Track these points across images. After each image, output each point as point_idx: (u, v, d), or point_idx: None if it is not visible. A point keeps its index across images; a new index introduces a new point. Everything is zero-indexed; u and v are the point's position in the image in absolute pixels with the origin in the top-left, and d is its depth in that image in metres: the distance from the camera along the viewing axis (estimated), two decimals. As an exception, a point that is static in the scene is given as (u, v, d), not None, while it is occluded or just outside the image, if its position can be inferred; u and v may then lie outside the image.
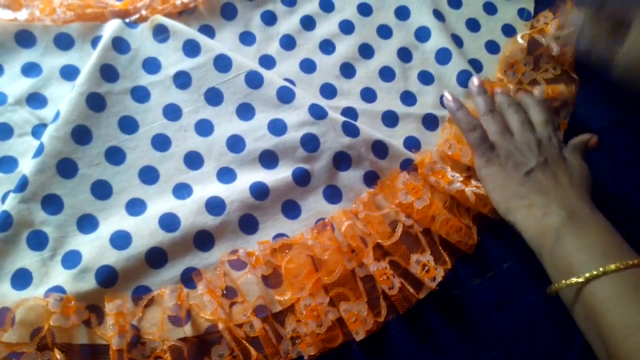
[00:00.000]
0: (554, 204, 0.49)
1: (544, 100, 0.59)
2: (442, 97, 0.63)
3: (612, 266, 0.44)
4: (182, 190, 0.56)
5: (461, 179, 0.57)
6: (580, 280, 0.45)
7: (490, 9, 0.70)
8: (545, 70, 0.66)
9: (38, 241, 0.52)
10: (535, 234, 0.49)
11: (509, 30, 0.68)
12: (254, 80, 0.59)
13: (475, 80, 0.60)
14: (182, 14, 0.63)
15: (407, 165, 0.59)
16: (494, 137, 0.55)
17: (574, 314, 0.47)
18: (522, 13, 0.69)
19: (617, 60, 0.56)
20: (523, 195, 0.51)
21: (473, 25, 0.69)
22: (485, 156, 0.54)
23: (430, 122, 0.63)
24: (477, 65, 0.66)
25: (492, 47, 0.68)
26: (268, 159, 0.58)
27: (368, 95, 0.63)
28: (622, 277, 0.44)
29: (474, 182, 0.57)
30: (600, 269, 0.44)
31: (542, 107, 0.57)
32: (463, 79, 0.64)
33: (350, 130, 0.58)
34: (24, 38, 0.60)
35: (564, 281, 0.46)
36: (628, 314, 0.42)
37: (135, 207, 0.55)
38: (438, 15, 0.68)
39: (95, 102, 0.56)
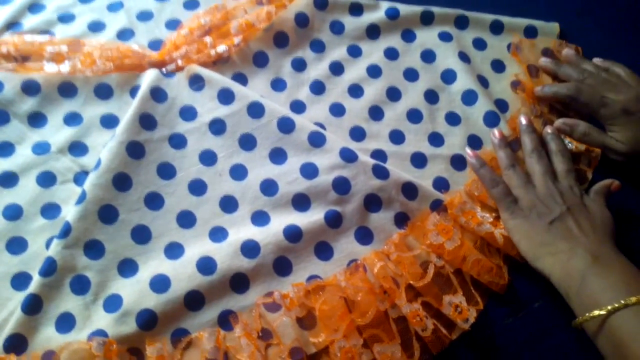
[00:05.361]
0: (578, 248, 0.52)
1: (566, 148, 0.61)
2: (468, 138, 0.64)
3: (634, 299, 0.46)
4: (218, 234, 0.58)
5: (490, 219, 0.58)
6: (603, 312, 0.47)
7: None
8: None
9: (81, 286, 0.54)
10: (562, 277, 0.52)
11: (533, 69, 0.70)
12: (285, 126, 0.61)
13: (496, 133, 0.62)
14: (216, 63, 0.66)
15: (437, 206, 0.60)
16: (516, 190, 0.57)
17: (600, 346, 0.49)
18: (546, 52, 0.71)
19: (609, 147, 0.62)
20: (549, 243, 0.53)
21: (498, 66, 0.70)
22: (510, 209, 0.56)
23: (458, 162, 0.64)
24: (503, 105, 0.68)
25: (518, 86, 0.69)
26: (301, 202, 0.59)
27: (396, 137, 0.65)
28: None
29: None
30: (622, 302, 0.46)
31: (565, 156, 0.60)
32: (490, 119, 0.65)
33: (380, 172, 0.59)
34: (66, 89, 0.63)
35: (587, 314, 0.48)
36: None
37: (174, 250, 0.56)
38: (463, 57, 0.69)
39: (134, 149, 0.59)
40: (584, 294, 0.50)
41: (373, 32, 0.71)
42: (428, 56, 0.70)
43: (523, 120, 0.62)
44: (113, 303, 0.53)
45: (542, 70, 0.69)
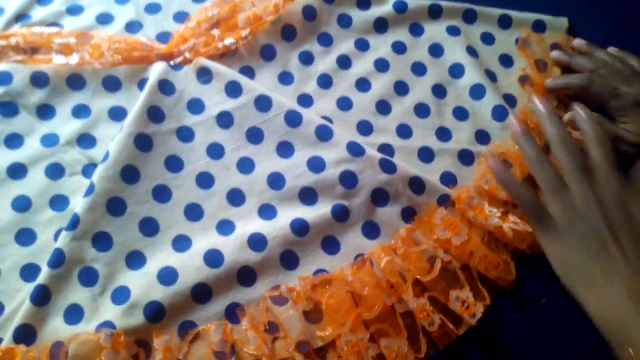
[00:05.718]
0: (617, 287, 0.44)
1: (603, 131, 0.51)
2: (476, 133, 0.64)
3: None
4: (225, 227, 0.58)
5: (499, 214, 0.58)
6: None
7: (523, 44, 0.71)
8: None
9: (89, 278, 0.54)
10: (599, 319, 0.45)
11: (541, 64, 0.69)
12: (293, 120, 0.61)
13: (516, 123, 0.52)
14: (224, 56, 0.66)
15: (445, 201, 0.60)
16: (547, 195, 0.49)
17: None
18: (555, 47, 0.70)
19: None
20: (582, 270, 0.47)
21: (506, 61, 0.70)
22: (540, 222, 0.50)
23: (466, 157, 0.64)
24: (511, 100, 0.67)
25: (526, 81, 0.69)
26: (308, 196, 0.59)
27: (404, 131, 0.65)
28: None
29: (511, 218, 0.58)
30: None
31: (602, 141, 0.49)
32: (498, 114, 0.65)
33: (387, 167, 0.59)
34: (75, 81, 0.63)
35: None
36: None
37: (182, 243, 0.57)
38: (471, 52, 0.69)
39: (143, 142, 0.59)
40: (626, 345, 0.43)
41: (381, 26, 0.70)
42: (436, 50, 0.70)
43: (538, 102, 0.53)
44: (121, 295, 0.53)
45: (555, 62, 0.68)
